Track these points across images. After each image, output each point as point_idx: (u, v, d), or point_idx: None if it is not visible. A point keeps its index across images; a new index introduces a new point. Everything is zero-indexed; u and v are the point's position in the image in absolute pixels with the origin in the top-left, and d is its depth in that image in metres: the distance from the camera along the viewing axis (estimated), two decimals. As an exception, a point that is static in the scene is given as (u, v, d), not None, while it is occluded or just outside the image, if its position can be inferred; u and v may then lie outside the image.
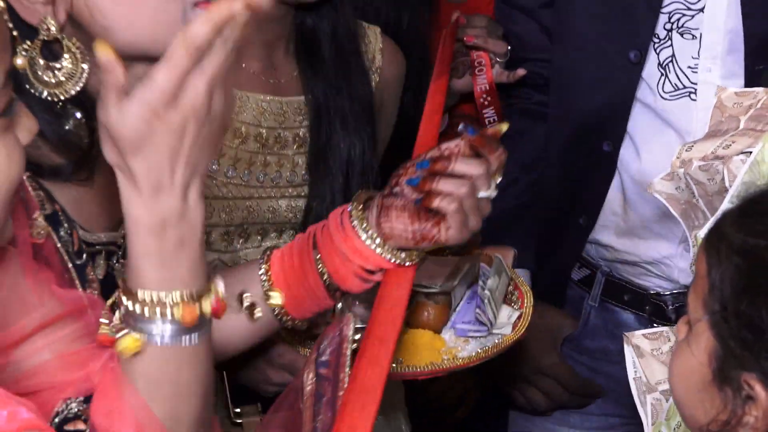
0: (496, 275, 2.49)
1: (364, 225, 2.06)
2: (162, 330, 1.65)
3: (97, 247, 1.99)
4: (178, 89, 1.53)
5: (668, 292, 2.83)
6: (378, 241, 2.05)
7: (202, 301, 1.66)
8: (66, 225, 1.82)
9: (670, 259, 2.80)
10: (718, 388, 1.64)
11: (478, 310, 2.41)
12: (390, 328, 1.95)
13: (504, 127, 2.23)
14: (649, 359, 2.21)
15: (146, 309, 1.65)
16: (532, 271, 3.03)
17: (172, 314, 1.66)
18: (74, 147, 1.84)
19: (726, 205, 2.00)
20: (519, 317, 2.46)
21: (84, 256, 1.89)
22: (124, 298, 1.67)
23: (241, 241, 2.68)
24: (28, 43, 1.83)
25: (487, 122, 3.07)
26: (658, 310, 2.85)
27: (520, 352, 2.95)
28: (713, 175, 2.09)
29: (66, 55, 1.84)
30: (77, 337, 1.79)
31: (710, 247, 1.70)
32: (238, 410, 2.52)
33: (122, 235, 1.99)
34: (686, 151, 2.15)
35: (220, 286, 1.70)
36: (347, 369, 2.01)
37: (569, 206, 2.97)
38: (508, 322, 2.45)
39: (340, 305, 2.40)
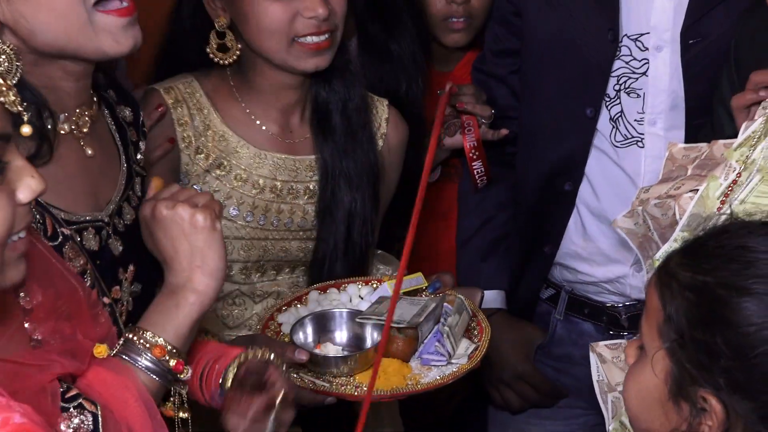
0: (456, 314, 2.58)
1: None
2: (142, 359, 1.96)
3: (83, 224, 2.07)
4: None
5: (621, 305, 2.95)
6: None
7: (170, 356, 1.96)
8: (37, 215, 1.88)
9: (624, 279, 2.91)
10: (675, 404, 1.73)
11: (437, 343, 2.51)
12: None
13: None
14: (610, 365, 2.33)
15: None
16: (507, 292, 3.14)
17: (151, 353, 1.97)
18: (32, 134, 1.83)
19: (677, 233, 2.13)
20: (476, 349, 2.55)
21: (60, 237, 1.96)
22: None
23: (258, 275, 2.75)
24: None
25: (475, 173, 3.13)
26: (613, 320, 2.97)
27: (500, 360, 3.06)
28: (666, 210, 2.22)
29: (2, 57, 1.83)
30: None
31: (661, 284, 1.78)
32: None
33: (108, 213, 2.14)
34: (644, 192, 2.31)
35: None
36: None
37: (536, 237, 3.07)
38: (465, 354, 2.54)
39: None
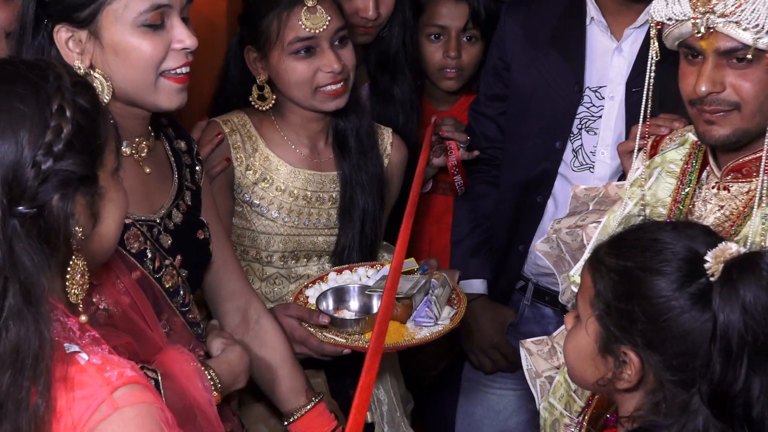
0: (441, 287, 2.72)
1: None
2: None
3: (138, 222, 2.17)
4: None
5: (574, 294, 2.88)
6: None
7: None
8: None
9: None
10: (603, 358, 1.83)
11: (427, 309, 2.66)
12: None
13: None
14: (536, 356, 2.44)
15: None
16: (489, 281, 3.29)
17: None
18: None
19: (586, 255, 2.19)
20: (456, 313, 2.70)
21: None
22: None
23: (293, 262, 2.89)
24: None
25: (456, 185, 3.31)
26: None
27: (479, 333, 3.28)
28: (575, 237, 2.40)
29: (97, 83, 2.04)
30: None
31: (592, 268, 1.89)
32: None
33: (160, 215, 2.25)
34: (557, 224, 2.48)
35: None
36: None
37: (513, 238, 3.21)
38: (448, 317, 2.70)
39: None
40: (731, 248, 1.73)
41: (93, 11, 2.06)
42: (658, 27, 2.16)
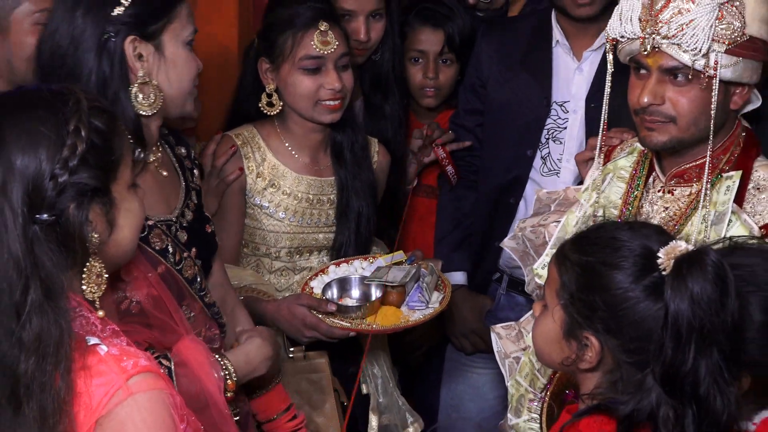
0: (429, 275, 2.73)
1: None
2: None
3: (159, 221, 2.15)
4: None
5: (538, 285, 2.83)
6: None
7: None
8: None
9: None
10: (567, 342, 1.84)
11: (419, 294, 2.68)
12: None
13: None
14: (505, 340, 2.44)
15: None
16: (469, 273, 3.26)
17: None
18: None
19: (548, 249, 2.26)
20: (443, 297, 2.71)
21: (145, 230, 2.02)
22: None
23: (297, 256, 2.87)
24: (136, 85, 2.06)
25: (449, 174, 3.26)
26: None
27: (461, 319, 3.24)
28: (538, 235, 2.38)
29: (151, 94, 2.06)
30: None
31: (558, 262, 1.89)
32: (291, 349, 2.70)
33: (175, 215, 2.22)
34: (522, 223, 2.46)
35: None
36: None
37: (490, 234, 3.17)
38: (437, 301, 2.71)
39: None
40: (681, 246, 1.72)
41: (159, 28, 2.08)
42: (614, 43, 2.18)
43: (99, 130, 1.58)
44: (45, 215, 1.51)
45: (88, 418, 1.49)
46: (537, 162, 3.08)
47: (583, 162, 2.48)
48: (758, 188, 2.17)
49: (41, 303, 1.48)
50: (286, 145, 2.86)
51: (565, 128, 3.04)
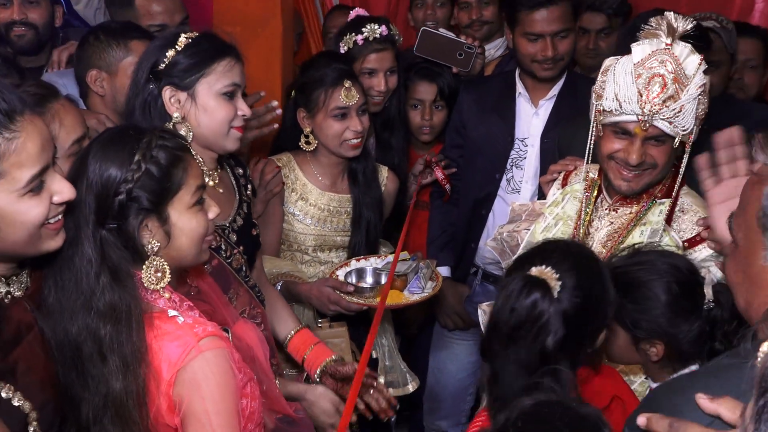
0: (426, 269, 2.68)
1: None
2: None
3: (218, 227, 2.08)
4: None
5: None
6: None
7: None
8: None
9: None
10: None
11: (418, 282, 2.64)
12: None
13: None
14: (489, 315, 2.19)
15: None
16: (452, 268, 3.19)
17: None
18: None
19: (521, 251, 2.13)
20: (435, 285, 2.65)
21: None
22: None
23: (320, 252, 2.79)
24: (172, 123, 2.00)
25: (447, 189, 3.15)
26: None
27: (445, 303, 3.18)
28: (513, 238, 2.32)
29: (183, 129, 1.99)
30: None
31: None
32: (320, 320, 2.65)
33: (228, 221, 2.18)
34: (501, 228, 2.39)
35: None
36: None
37: (468, 238, 3.11)
38: (430, 287, 2.64)
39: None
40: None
41: (194, 80, 2.02)
42: (600, 111, 2.04)
43: (159, 164, 1.55)
44: (110, 223, 1.53)
45: (170, 371, 1.49)
46: (503, 183, 3.02)
47: (546, 183, 2.41)
48: (682, 211, 2.11)
49: (110, 284, 1.50)
50: (313, 169, 2.79)
51: (525, 158, 2.98)
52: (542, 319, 1.52)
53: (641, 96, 1.90)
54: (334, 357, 2.28)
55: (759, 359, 0.92)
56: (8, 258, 1.46)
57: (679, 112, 1.90)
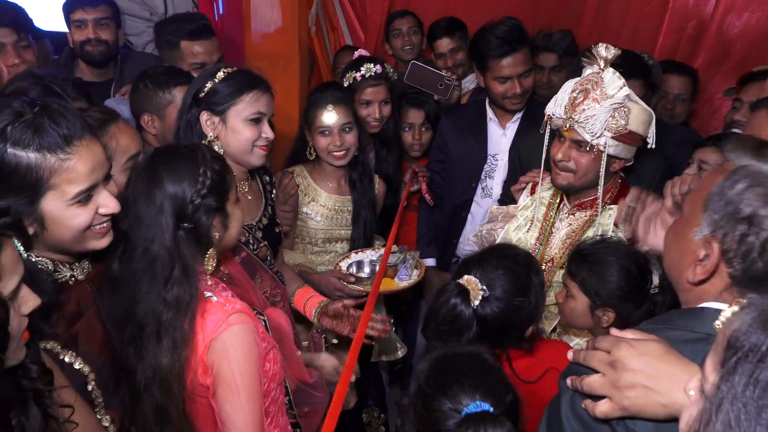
0: (412, 259, 2.61)
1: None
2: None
3: (243, 226, 2.01)
4: None
5: None
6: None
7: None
8: None
9: None
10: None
11: (405, 271, 2.57)
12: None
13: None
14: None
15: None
16: (437, 259, 3.12)
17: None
18: None
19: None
20: (419, 273, 2.57)
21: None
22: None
23: (327, 244, 2.71)
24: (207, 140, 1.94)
25: (428, 199, 3.07)
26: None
27: (431, 287, 3.06)
28: (491, 234, 2.26)
29: (216, 147, 1.92)
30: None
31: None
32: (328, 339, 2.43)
33: (255, 220, 2.13)
34: (481, 227, 2.33)
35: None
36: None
37: (450, 236, 3.06)
38: (416, 275, 2.57)
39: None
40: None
41: (225, 108, 1.98)
42: (549, 116, 2.05)
43: (217, 171, 1.56)
44: (186, 224, 1.51)
45: (204, 341, 1.48)
46: (479, 190, 2.96)
47: (516, 191, 2.36)
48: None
49: (181, 278, 1.47)
50: (321, 176, 2.72)
51: (496, 170, 2.92)
52: (459, 321, 1.55)
53: (569, 104, 1.93)
54: (324, 300, 2.24)
55: (719, 324, 0.90)
56: (62, 251, 1.47)
57: (590, 118, 1.88)
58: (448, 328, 1.55)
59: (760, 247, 1.05)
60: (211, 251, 1.56)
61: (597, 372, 1.08)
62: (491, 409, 1.19)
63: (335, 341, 2.32)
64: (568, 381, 1.12)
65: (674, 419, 1.00)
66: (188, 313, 1.46)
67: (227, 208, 1.58)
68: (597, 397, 1.07)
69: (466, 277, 1.59)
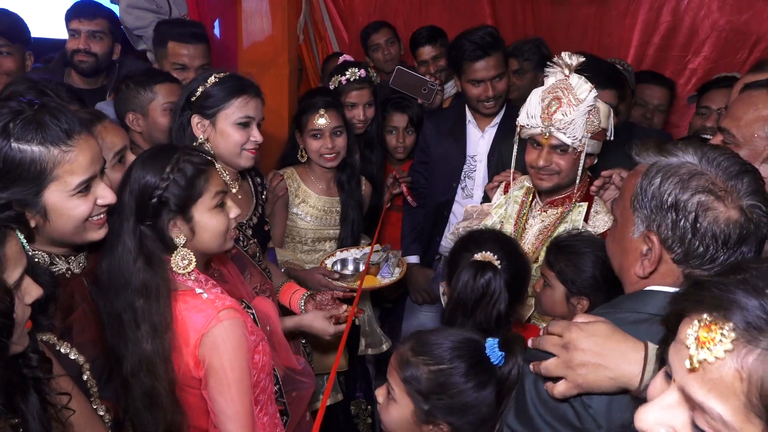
0: (394, 258, 2.62)
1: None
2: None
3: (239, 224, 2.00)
4: None
5: None
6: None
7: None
8: None
9: None
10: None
11: (388, 268, 2.58)
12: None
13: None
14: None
15: None
16: (420, 257, 3.13)
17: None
18: None
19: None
20: (402, 271, 2.57)
21: None
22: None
23: (316, 243, 2.72)
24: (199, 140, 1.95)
25: (410, 201, 3.07)
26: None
27: (415, 282, 3.08)
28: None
29: (207, 148, 1.94)
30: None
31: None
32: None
33: (246, 219, 2.13)
34: (458, 225, 2.33)
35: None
36: None
37: (432, 234, 3.07)
38: (398, 273, 2.57)
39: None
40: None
41: (215, 111, 2.00)
42: (520, 126, 2.07)
43: (185, 174, 1.53)
44: (147, 220, 1.51)
45: (195, 336, 1.48)
46: (459, 191, 2.98)
47: (491, 190, 2.38)
48: (596, 212, 2.10)
49: (145, 266, 1.48)
50: (311, 177, 2.72)
51: (475, 171, 2.94)
52: (496, 292, 1.62)
53: (543, 113, 1.93)
54: (308, 292, 2.25)
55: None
56: (61, 243, 1.48)
57: (570, 124, 1.90)
58: (485, 305, 1.61)
59: (691, 228, 1.09)
60: (181, 252, 1.54)
61: (553, 356, 1.12)
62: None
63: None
64: (531, 366, 1.16)
65: (624, 391, 1.05)
66: (160, 299, 1.46)
67: (193, 212, 1.55)
68: (556, 379, 1.11)
69: (478, 254, 1.65)
